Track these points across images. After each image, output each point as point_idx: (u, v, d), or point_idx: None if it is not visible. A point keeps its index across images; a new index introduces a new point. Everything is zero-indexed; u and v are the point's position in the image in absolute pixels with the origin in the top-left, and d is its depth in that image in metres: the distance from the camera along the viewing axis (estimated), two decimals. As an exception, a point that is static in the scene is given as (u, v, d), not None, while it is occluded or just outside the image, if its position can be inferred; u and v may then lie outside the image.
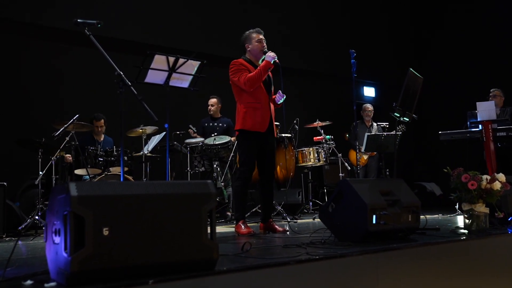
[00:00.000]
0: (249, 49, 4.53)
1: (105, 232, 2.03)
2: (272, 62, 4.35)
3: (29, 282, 2.09)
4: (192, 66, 4.10)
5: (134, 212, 2.12)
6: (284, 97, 4.51)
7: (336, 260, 2.70)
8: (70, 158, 5.91)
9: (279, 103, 4.56)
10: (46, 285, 2.03)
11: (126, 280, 2.01)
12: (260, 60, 4.49)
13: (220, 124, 6.95)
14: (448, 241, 3.36)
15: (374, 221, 3.20)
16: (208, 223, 2.32)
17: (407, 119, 4.33)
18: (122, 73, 3.10)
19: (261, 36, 4.52)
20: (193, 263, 2.23)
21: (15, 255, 3.24)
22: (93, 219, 2.01)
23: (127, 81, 3.08)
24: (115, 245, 2.04)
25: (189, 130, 6.87)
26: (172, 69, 4.02)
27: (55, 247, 2.12)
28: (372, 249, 2.89)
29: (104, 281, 1.99)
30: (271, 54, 4.38)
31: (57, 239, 2.10)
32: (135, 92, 3.10)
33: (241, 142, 4.48)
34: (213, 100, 6.99)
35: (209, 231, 2.31)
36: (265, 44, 4.50)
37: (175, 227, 2.20)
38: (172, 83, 4.11)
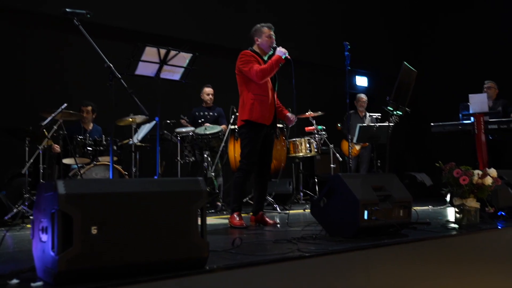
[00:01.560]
0: (258, 42, 4.49)
1: (94, 231, 1.99)
2: (283, 58, 4.32)
3: (15, 281, 2.05)
4: (184, 58, 4.02)
5: (124, 211, 2.07)
6: (296, 120, 4.68)
7: (327, 257, 2.68)
8: (58, 148, 5.81)
9: (290, 126, 4.83)
10: (32, 284, 1.99)
11: (115, 280, 1.98)
12: (266, 56, 4.48)
13: (211, 113, 6.89)
14: (439, 237, 3.36)
15: (365, 217, 3.19)
16: (199, 221, 2.28)
17: (400, 113, 4.31)
18: (112, 66, 3.03)
19: (272, 32, 4.50)
20: (183, 262, 2.20)
21: (0, 249, 3.19)
22: (81, 217, 1.97)
23: (117, 73, 3.02)
24: (103, 244, 2.00)
25: (181, 120, 6.81)
26: (163, 61, 3.94)
27: (42, 245, 2.07)
28: (363, 245, 2.88)
29: (93, 281, 1.95)
30: (282, 49, 4.36)
31: (44, 237, 2.06)
32: (125, 85, 3.04)
33: (246, 134, 4.39)
34: (210, 90, 6.93)
35: (199, 229, 2.28)
36: (274, 40, 4.48)
37: (165, 226, 2.16)
38: (163, 75, 4.03)
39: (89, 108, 6.31)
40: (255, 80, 4.31)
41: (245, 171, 4.37)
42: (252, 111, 4.34)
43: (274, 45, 4.46)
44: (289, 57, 4.34)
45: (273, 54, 4.41)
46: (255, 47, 4.51)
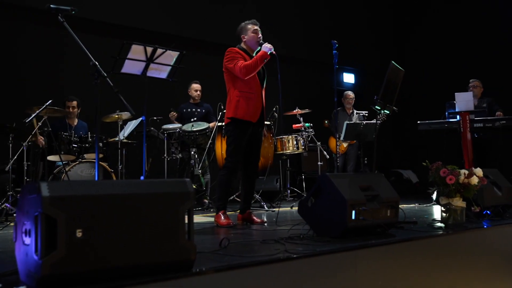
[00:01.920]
0: (245, 39, 4.47)
1: (78, 234, 1.95)
2: (269, 53, 4.29)
3: (-3, 285, 2.01)
4: (171, 56, 3.98)
5: (109, 213, 2.04)
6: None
7: (314, 258, 2.68)
8: (42, 140, 5.72)
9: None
10: (15, 289, 1.95)
11: (100, 284, 1.94)
12: (255, 52, 4.45)
13: (199, 110, 6.85)
14: (425, 236, 3.38)
15: (353, 217, 3.18)
16: (186, 223, 2.25)
17: (388, 112, 4.32)
18: (97, 63, 2.98)
19: (257, 27, 4.47)
20: (170, 265, 2.17)
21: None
22: (65, 220, 1.92)
23: (103, 72, 2.97)
24: (89, 248, 1.96)
25: (171, 113, 6.73)
26: (150, 59, 3.89)
27: (25, 248, 2.03)
28: (351, 246, 2.88)
29: (77, 285, 1.92)
30: (268, 45, 4.33)
31: (27, 240, 2.01)
32: (111, 84, 2.99)
33: (231, 132, 4.37)
34: (198, 86, 6.88)
35: (187, 231, 2.25)
36: (260, 35, 4.45)
37: (152, 228, 2.13)
38: (150, 73, 3.98)
39: (74, 103, 6.24)
40: (240, 76, 4.28)
41: (230, 169, 4.34)
42: (238, 108, 4.31)
43: (261, 41, 4.43)
44: (274, 52, 4.31)
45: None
46: (242, 45, 4.49)
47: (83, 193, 2.01)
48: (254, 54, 4.43)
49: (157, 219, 2.15)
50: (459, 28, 10.21)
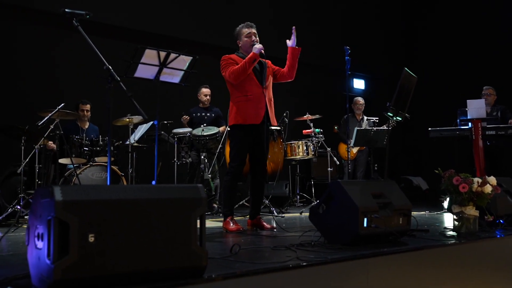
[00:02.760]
0: (240, 44, 4.46)
1: (91, 238, 1.94)
2: (258, 54, 4.25)
3: (9, 288, 2.01)
4: (184, 61, 3.98)
5: (122, 218, 2.03)
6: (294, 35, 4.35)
7: (326, 265, 2.65)
8: (53, 144, 5.74)
9: (293, 45, 4.39)
10: (27, 293, 1.95)
11: (111, 289, 1.94)
12: None
13: (208, 114, 6.85)
14: (438, 245, 3.34)
15: (365, 224, 3.15)
16: (198, 228, 2.24)
17: (400, 119, 4.29)
18: (111, 68, 2.98)
19: (252, 30, 4.42)
20: (181, 270, 2.16)
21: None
22: (78, 225, 1.92)
23: (116, 76, 2.97)
24: (101, 253, 1.95)
25: (184, 117, 6.74)
26: (163, 64, 3.89)
27: (37, 252, 2.03)
28: (363, 254, 2.85)
29: (89, 290, 1.91)
30: (257, 46, 4.28)
31: (39, 244, 2.01)
32: (125, 88, 2.99)
33: (234, 136, 4.38)
34: (207, 90, 6.88)
35: (199, 237, 2.24)
36: (254, 38, 4.39)
37: (164, 233, 2.12)
38: (163, 78, 3.98)
39: (88, 106, 6.28)
40: (231, 81, 4.29)
41: (232, 173, 4.32)
42: (237, 114, 4.31)
43: (254, 43, 4.35)
44: (263, 52, 4.25)
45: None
46: (240, 50, 4.48)
47: (95, 198, 2.00)
48: None
49: (169, 225, 2.15)
50: (471, 34, 10.15)
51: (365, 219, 3.16)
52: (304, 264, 2.56)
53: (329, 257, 2.73)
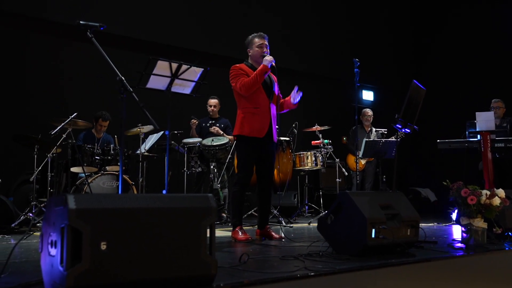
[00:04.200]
0: (250, 54, 4.52)
1: (103, 246, 1.99)
2: (269, 66, 4.31)
3: (23, 295, 2.05)
4: (195, 72, 4.04)
5: (133, 226, 2.07)
6: (301, 95, 4.43)
7: (334, 276, 2.67)
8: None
9: (295, 103, 4.48)
10: (40, 299, 1.99)
11: (122, 296, 1.97)
12: None
13: (218, 125, 6.91)
14: (446, 257, 3.35)
15: (373, 235, 3.17)
16: (208, 237, 2.28)
17: (409, 131, 4.31)
18: (123, 79, 3.05)
19: (263, 41, 4.47)
20: (191, 279, 2.19)
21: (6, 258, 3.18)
22: (90, 233, 1.96)
23: (129, 87, 3.04)
24: (112, 260, 2.00)
25: (193, 121, 6.79)
26: (174, 75, 3.95)
27: (50, 259, 2.07)
28: (371, 264, 2.87)
29: (101, 297, 1.95)
30: (268, 58, 4.33)
31: (53, 251, 2.06)
32: (137, 99, 3.05)
33: (239, 148, 4.47)
34: (214, 101, 6.95)
35: (208, 246, 2.27)
36: (265, 49, 4.45)
37: (174, 242, 2.16)
38: (174, 89, 4.05)
39: (107, 123, 6.35)
40: (242, 93, 4.34)
41: (240, 184, 4.38)
42: (243, 125, 4.37)
43: (265, 54, 4.41)
44: (274, 64, 4.31)
45: None
46: (249, 59, 4.53)
47: (108, 206, 2.05)
48: None
49: (179, 234, 2.18)
50: (480, 46, 10.16)
51: (373, 230, 3.18)
52: (312, 274, 2.59)
53: (337, 268, 2.75)
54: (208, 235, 2.29)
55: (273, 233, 4.47)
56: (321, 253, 3.25)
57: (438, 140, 6.37)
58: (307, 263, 2.87)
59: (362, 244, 3.15)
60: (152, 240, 2.11)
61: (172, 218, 2.19)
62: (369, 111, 7.94)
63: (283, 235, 4.56)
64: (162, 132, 6.17)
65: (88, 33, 3.17)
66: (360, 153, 6.83)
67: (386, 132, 7.54)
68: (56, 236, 2.02)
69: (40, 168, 5.45)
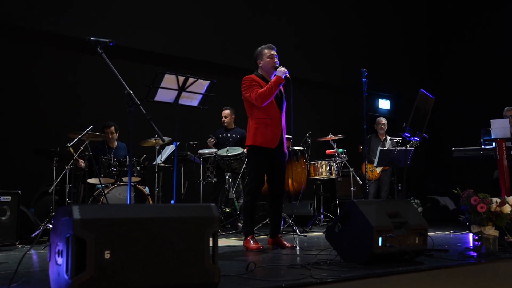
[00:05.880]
0: (260, 65, 4.56)
1: (107, 255, 2.06)
2: (283, 78, 4.37)
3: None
4: (202, 85, 4.13)
5: (137, 236, 2.14)
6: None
7: (340, 283, 2.70)
8: (83, 163, 5.94)
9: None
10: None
11: (126, 304, 2.03)
12: (272, 76, 4.50)
13: (233, 135, 6.98)
14: (455, 265, 3.33)
15: (380, 244, 3.19)
16: (211, 246, 2.33)
17: (418, 139, 4.31)
18: (132, 92, 3.14)
19: (273, 52, 4.54)
20: (194, 287, 2.25)
21: (24, 267, 3.29)
22: (94, 242, 2.04)
23: (137, 100, 3.13)
24: (116, 269, 2.07)
25: (210, 140, 6.90)
26: (181, 88, 4.04)
27: (57, 268, 2.15)
28: (377, 272, 2.88)
29: (105, 304, 2.01)
30: (282, 69, 4.40)
31: (59, 260, 2.14)
32: (144, 112, 3.15)
33: (251, 158, 4.52)
34: (226, 112, 7.04)
35: (211, 254, 2.32)
36: (276, 60, 4.51)
37: (178, 251, 2.22)
38: (182, 101, 4.14)
39: (112, 128, 6.49)
40: (256, 104, 4.38)
41: (252, 194, 4.43)
42: (256, 135, 4.41)
43: (277, 65, 4.48)
44: (288, 76, 4.36)
45: None
46: (259, 70, 4.58)
47: (112, 216, 2.13)
48: (271, 78, 4.48)
49: (183, 242, 2.25)
50: (495, 54, 10.06)
51: (380, 238, 3.19)
52: (317, 281, 2.61)
53: (342, 276, 2.78)
54: (211, 244, 2.34)
55: (284, 242, 4.50)
56: (329, 261, 3.27)
57: (453, 148, 6.33)
58: (313, 271, 2.89)
59: (369, 252, 3.17)
60: (156, 248, 2.17)
61: (175, 227, 2.25)
62: (383, 120, 7.92)
63: (296, 243, 4.59)
64: (178, 143, 6.27)
65: (98, 48, 3.28)
66: (375, 162, 6.83)
67: (401, 141, 7.51)
68: (62, 245, 2.10)
69: (59, 179, 5.59)
